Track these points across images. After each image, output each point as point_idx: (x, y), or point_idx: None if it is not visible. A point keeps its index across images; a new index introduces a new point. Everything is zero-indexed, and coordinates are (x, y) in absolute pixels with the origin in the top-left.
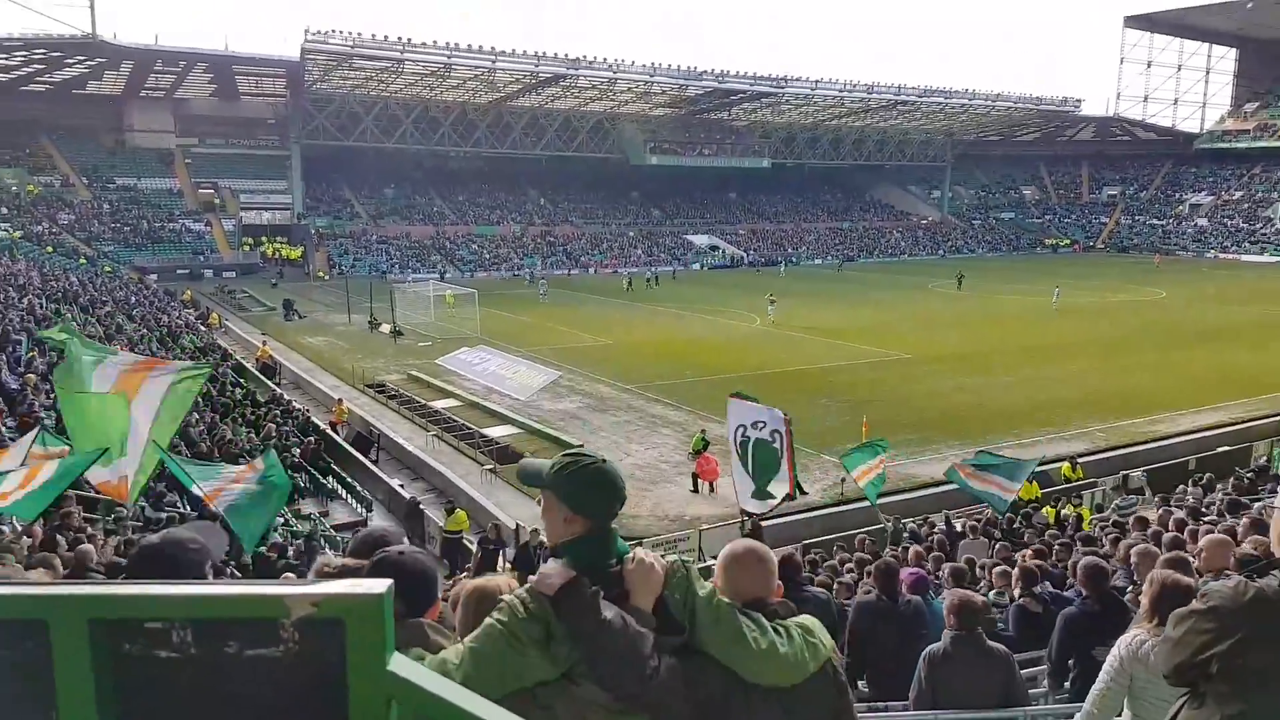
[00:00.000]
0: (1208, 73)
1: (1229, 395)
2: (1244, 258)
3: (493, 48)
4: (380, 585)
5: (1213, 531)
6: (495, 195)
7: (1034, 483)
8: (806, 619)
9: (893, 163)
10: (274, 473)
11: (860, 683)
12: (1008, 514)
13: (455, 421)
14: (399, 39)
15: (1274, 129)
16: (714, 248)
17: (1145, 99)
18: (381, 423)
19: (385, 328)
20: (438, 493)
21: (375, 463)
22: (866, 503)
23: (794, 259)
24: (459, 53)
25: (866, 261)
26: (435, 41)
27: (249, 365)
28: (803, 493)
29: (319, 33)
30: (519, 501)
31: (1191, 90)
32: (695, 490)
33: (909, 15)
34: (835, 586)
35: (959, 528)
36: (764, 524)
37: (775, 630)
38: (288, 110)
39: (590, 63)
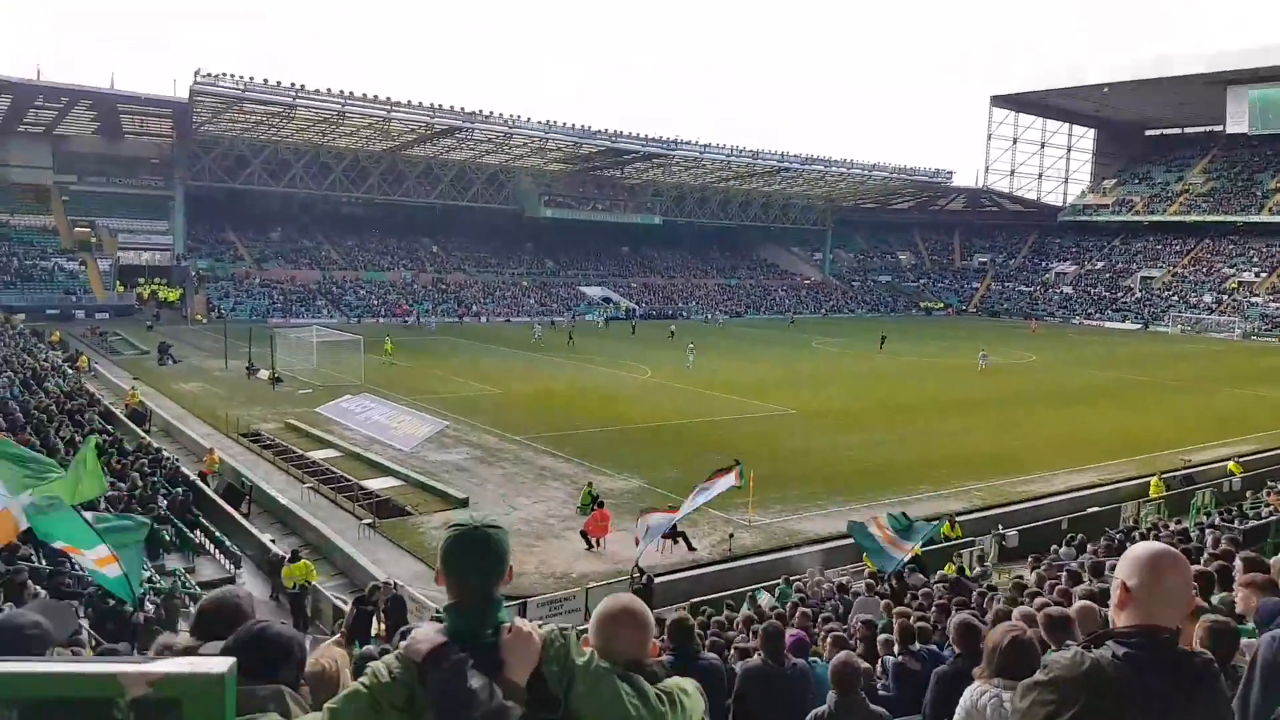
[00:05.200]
0: (1069, 150)
1: (1098, 457)
2: (1107, 324)
3: (388, 98)
4: (221, 664)
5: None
6: (386, 241)
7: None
8: (682, 680)
9: (777, 225)
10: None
11: None
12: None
13: (333, 473)
14: (292, 85)
15: (1131, 204)
16: (607, 300)
17: (1012, 173)
18: (255, 473)
19: (263, 374)
20: (312, 548)
21: (247, 516)
22: (753, 560)
23: (684, 314)
24: (354, 101)
25: (753, 318)
26: (330, 89)
27: (117, 411)
28: (691, 549)
29: (209, 75)
30: (397, 558)
31: (1055, 165)
32: (590, 548)
33: (793, 88)
34: (729, 651)
35: (852, 587)
36: (656, 579)
37: (658, 697)
38: (173, 151)
39: (486, 117)
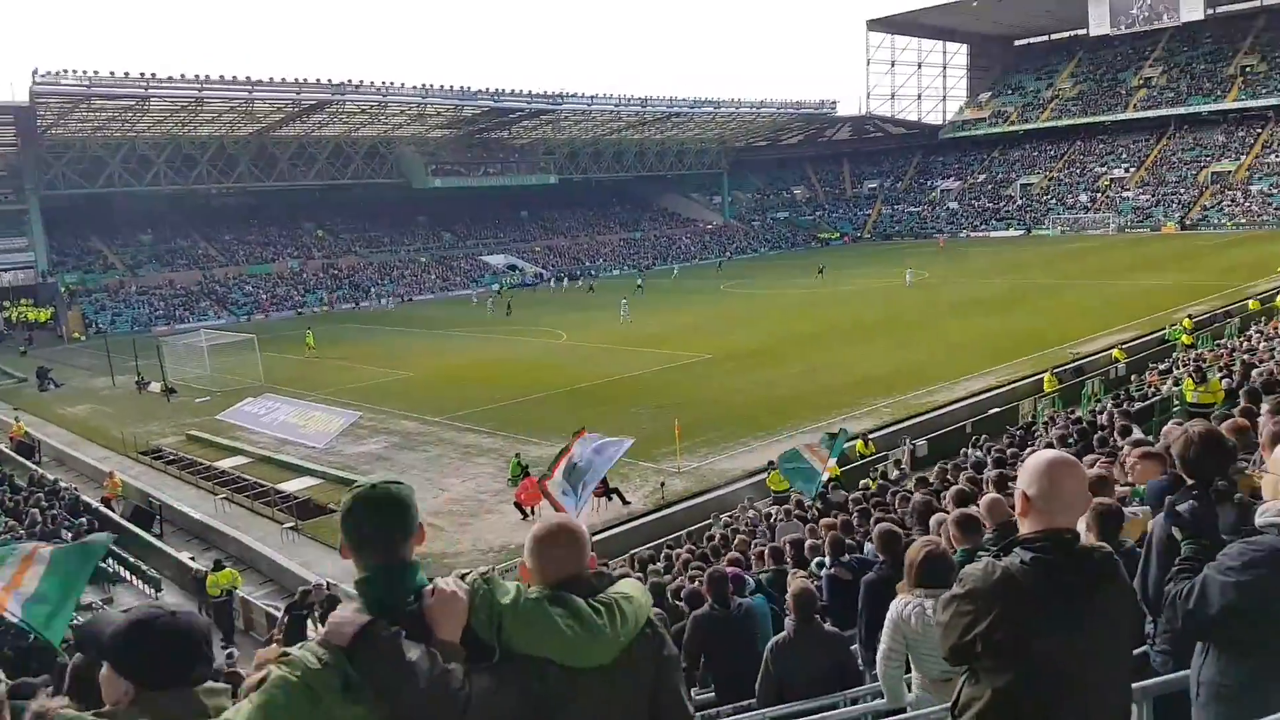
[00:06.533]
0: (944, 68)
1: (994, 360)
2: (993, 234)
3: (248, 77)
4: None
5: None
6: (266, 231)
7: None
8: (625, 584)
9: (674, 172)
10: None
11: (693, 689)
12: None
13: (246, 480)
14: (141, 74)
15: (1006, 115)
16: (513, 267)
17: (892, 96)
18: (162, 492)
19: (155, 387)
20: (235, 560)
21: (159, 536)
22: (686, 504)
23: (594, 271)
24: (211, 85)
25: (661, 267)
26: (184, 75)
27: (2, 446)
28: (625, 502)
29: (49, 74)
30: (326, 557)
31: (932, 85)
32: (525, 517)
33: (677, 29)
34: (665, 597)
35: (772, 514)
36: (593, 538)
37: (594, 609)
38: (21, 160)
39: (357, 86)
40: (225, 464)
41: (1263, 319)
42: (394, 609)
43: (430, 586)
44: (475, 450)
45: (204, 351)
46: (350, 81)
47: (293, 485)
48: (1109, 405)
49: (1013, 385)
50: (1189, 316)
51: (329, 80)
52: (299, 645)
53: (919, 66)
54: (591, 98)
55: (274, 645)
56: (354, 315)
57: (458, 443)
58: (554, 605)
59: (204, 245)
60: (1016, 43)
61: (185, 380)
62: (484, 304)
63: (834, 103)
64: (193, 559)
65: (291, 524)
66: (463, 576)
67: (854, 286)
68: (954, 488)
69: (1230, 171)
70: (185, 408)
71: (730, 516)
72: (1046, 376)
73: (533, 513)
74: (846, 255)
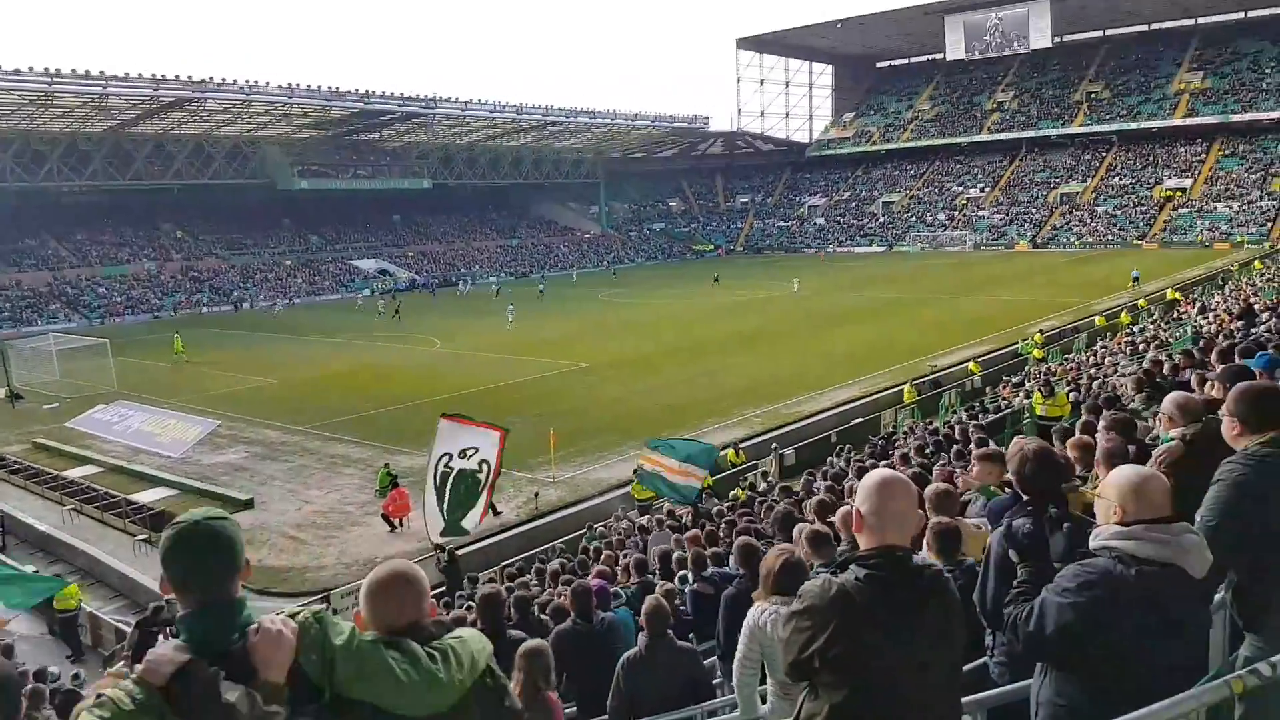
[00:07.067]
0: (811, 88)
1: (859, 371)
2: (857, 249)
3: (102, 72)
4: None
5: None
6: (121, 232)
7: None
8: (462, 631)
9: (551, 180)
10: None
11: (567, 706)
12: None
13: (96, 490)
14: None
15: (869, 135)
16: (384, 272)
17: (762, 114)
18: (5, 502)
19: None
20: (83, 574)
21: (2, 549)
22: (560, 514)
23: (470, 278)
24: (62, 79)
25: (562, 273)
26: (31, 68)
27: None
28: (496, 513)
29: None
30: None
31: (799, 104)
32: (393, 529)
33: (553, 39)
34: (533, 610)
35: (644, 522)
36: (460, 551)
37: (429, 655)
38: None
39: (219, 85)
40: (74, 473)
41: (1108, 334)
42: (216, 648)
43: (255, 625)
44: (342, 460)
45: (53, 356)
46: (212, 79)
47: (147, 496)
48: (964, 416)
49: (875, 396)
50: (1040, 331)
51: (189, 77)
52: (112, 684)
53: (786, 85)
54: (466, 103)
55: (122, 664)
56: (234, 320)
57: (323, 452)
58: (389, 649)
59: (54, 245)
60: (879, 65)
61: (32, 386)
62: (373, 305)
63: (706, 118)
64: (37, 573)
65: (144, 536)
66: (293, 615)
67: (738, 297)
68: (814, 499)
69: (1078, 193)
70: (32, 415)
71: (605, 527)
72: (906, 388)
73: (401, 524)
74: (724, 267)
